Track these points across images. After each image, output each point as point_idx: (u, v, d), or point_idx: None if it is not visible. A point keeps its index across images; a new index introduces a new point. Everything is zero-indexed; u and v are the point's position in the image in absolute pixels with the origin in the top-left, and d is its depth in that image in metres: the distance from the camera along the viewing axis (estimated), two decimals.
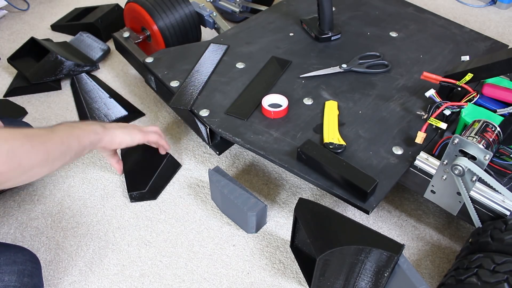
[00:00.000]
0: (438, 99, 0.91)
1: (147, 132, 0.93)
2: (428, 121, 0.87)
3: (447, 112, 0.89)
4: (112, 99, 1.20)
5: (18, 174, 0.64)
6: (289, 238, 0.92)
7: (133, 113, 1.20)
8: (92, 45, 1.39)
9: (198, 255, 0.91)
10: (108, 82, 1.31)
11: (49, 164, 0.69)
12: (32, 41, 1.31)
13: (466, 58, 1.05)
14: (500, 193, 0.75)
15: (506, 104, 0.91)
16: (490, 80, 0.94)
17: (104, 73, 1.35)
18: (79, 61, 1.29)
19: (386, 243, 0.70)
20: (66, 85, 1.31)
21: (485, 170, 0.74)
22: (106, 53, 1.40)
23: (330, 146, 0.87)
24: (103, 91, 1.22)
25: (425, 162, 0.83)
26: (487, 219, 0.79)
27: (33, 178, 0.68)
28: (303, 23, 1.20)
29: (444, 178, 0.80)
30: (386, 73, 1.06)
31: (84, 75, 1.27)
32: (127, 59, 1.23)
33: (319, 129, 0.92)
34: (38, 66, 1.25)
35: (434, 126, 0.90)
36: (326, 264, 0.74)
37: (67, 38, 1.47)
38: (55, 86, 1.28)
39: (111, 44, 1.38)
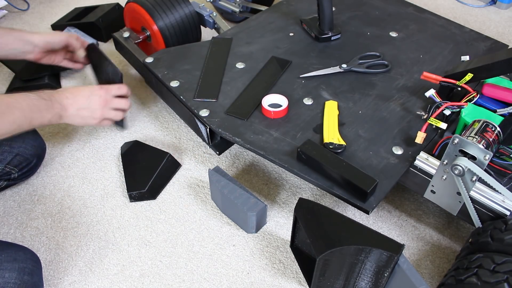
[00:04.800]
0: (438, 99, 0.92)
1: (101, 121, 0.96)
2: (428, 121, 0.87)
3: (447, 112, 0.89)
4: None
5: None
6: (289, 238, 0.92)
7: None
8: None
9: (198, 255, 0.91)
10: None
11: None
12: None
13: (466, 58, 1.05)
14: (500, 193, 0.75)
15: (506, 104, 0.91)
16: (490, 80, 0.94)
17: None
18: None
19: (386, 243, 0.70)
20: (66, 85, 1.31)
21: (485, 170, 0.74)
22: None
23: (330, 146, 0.87)
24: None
25: (425, 162, 0.83)
26: (487, 219, 0.79)
27: None
28: (303, 23, 1.20)
29: (444, 178, 0.80)
30: (386, 73, 1.06)
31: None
32: (127, 59, 1.23)
33: (319, 129, 0.92)
34: (28, 63, 1.25)
35: (434, 126, 0.90)
36: (326, 264, 0.74)
37: None
38: (55, 86, 1.28)
39: (111, 43, 1.37)
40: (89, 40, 1.39)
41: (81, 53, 1.09)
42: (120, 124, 1.07)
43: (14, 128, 0.79)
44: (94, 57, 1.11)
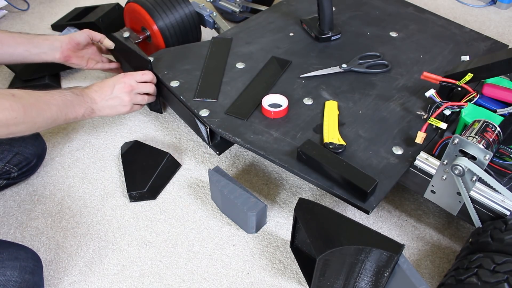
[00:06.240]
0: (438, 99, 0.92)
1: (132, 107, 1.01)
2: (428, 121, 0.87)
3: (447, 112, 0.89)
4: None
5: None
6: (289, 238, 0.92)
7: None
8: None
9: (198, 255, 0.91)
10: None
11: (33, 130, 0.83)
12: None
13: (466, 58, 1.05)
14: (500, 193, 0.75)
15: (506, 104, 0.91)
16: (490, 80, 0.94)
17: (103, 73, 1.35)
18: None
19: (386, 243, 0.70)
20: (66, 85, 1.31)
21: (485, 170, 0.74)
22: None
23: (330, 146, 0.87)
24: None
25: (425, 162, 0.83)
26: (487, 219, 0.79)
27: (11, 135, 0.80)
28: (303, 23, 1.20)
29: (444, 178, 0.80)
30: (386, 73, 1.06)
31: None
32: None
33: (319, 129, 0.92)
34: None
35: (434, 126, 0.90)
36: (326, 264, 0.74)
37: None
38: (55, 85, 1.28)
39: None
40: None
41: (107, 43, 1.12)
42: (155, 109, 1.14)
43: (50, 122, 0.85)
44: (118, 49, 1.13)
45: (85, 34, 1.09)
